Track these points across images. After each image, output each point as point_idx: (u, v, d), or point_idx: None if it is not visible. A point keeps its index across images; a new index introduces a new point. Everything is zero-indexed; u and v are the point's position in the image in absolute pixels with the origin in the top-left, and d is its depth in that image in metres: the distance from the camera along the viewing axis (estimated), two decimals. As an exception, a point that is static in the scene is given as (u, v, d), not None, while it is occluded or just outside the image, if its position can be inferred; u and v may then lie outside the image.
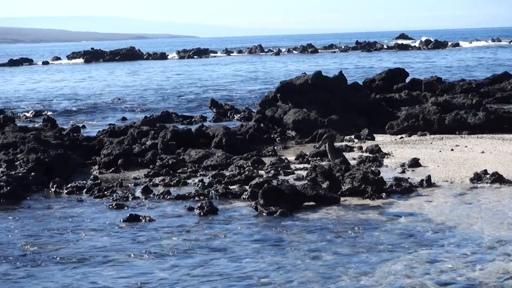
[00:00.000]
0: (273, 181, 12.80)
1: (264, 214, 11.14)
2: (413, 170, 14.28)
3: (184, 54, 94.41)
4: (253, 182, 12.77)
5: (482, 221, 10.44)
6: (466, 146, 16.57)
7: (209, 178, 14.13)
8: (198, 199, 12.41)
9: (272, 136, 19.55)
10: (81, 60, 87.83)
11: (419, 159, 14.80)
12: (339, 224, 10.55)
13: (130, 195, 12.86)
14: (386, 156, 15.79)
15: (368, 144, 17.38)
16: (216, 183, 13.47)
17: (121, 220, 11.06)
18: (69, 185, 13.66)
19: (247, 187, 12.81)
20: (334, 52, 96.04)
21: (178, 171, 15.17)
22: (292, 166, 15.12)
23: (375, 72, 37.18)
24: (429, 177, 13.02)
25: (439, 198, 11.92)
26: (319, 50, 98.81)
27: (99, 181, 14.11)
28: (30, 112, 28.86)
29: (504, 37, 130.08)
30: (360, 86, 22.01)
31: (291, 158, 16.05)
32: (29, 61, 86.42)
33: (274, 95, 21.54)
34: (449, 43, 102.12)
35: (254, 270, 8.61)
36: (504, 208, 11.13)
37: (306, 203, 11.72)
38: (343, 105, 20.49)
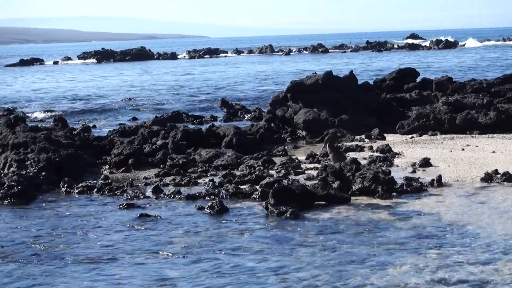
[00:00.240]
0: (284, 180, 12.77)
1: (274, 213, 11.13)
2: (423, 170, 14.24)
3: (195, 54, 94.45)
4: (264, 181, 12.77)
5: (494, 220, 10.41)
6: (477, 146, 16.53)
7: (219, 177, 14.13)
8: (208, 198, 12.42)
9: (282, 136, 19.54)
10: (91, 60, 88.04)
11: (429, 159, 14.77)
12: (350, 223, 10.54)
13: (140, 194, 12.88)
14: (396, 156, 15.76)
15: (378, 143, 17.36)
16: (227, 183, 13.47)
17: (132, 220, 11.09)
18: (79, 185, 13.70)
19: (257, 186, 12.81)
20: (345, 52, 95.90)
21: (188, 170, 15.18)
22: (303, 165, 15.11)
23: (385, 72, 37.11)
24: (439, 176, 12.99)
25: (450, 198, 11.89)
26: (329, 50, 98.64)
27: (109, 180, 14.13)
28: (41, 111, 28.95)
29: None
30: (370, 86, 21.96)
31: (302, 158, 16.04)
32: (40, 61, 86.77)
33: (285, 95, 21.53)
34: (460, 43, 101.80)
35: (265, 268, 8.61)
36: (515, 207, 11.10)
37: (316, 203, 11.71)
38: (354, 105, 20.46)
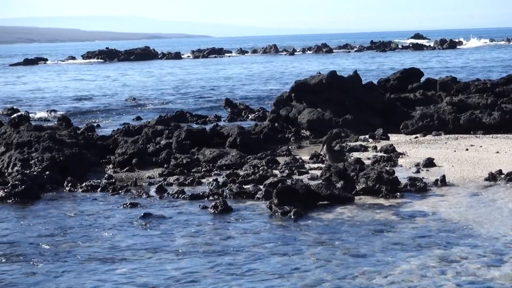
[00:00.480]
0: (287, 180, 12.78)
1: (278, 213, 11.13)
2: (427, 170, 14.23)
3: (199, 54, 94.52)
4: (267, 181, 12.77)
5: (497, 220, 10.40)
6: (481, 146, 16.50)
7: (223, 177, 14.14)
8: (212, 198, 12.43)
9: (286, 135, 19.54)
10: (96, 59, 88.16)
11: (433, 159, 14.76)
12: (353, 223, 10.54)
13: (144, 194, 12.90)
14: (400, 156, 15.75)
15: (382, 143, 17.35)
16: (230, 183, 13.48)
17: (136, 219, 11.10)
18: (83, 184, 13.72)
19: (261, 186, 12.81)
20: (349, 52, 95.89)
21: (192, 170, 15.19)
22: (306, 165, 15.11)
23: (389, 72, 37.09)
24: (443, 176, 12.98)
25: (453, 198, 11.88)
26: (333, 50, 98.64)
27: (113, 180, 14.15)
28: (45, 111, 28.98)
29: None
30: (374, 85, 21.94)
31: (306, 157, 16.04)
32: (44, 61, 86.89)
33: (289, 94, 21.53)
34: (464, 43, 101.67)
35: (268, 269, 8.61)
36: (519, 208, 11.09)
37: (320, 203, 11.71)
38: (358, 104, 20.45)
